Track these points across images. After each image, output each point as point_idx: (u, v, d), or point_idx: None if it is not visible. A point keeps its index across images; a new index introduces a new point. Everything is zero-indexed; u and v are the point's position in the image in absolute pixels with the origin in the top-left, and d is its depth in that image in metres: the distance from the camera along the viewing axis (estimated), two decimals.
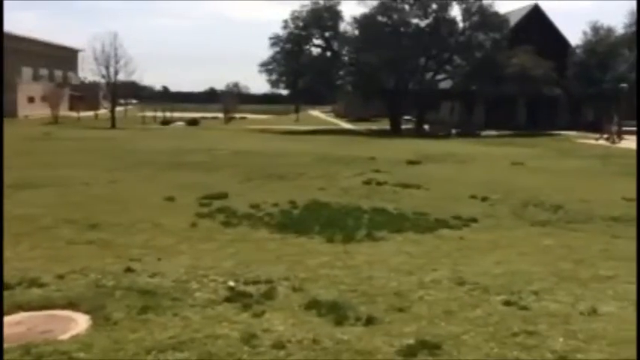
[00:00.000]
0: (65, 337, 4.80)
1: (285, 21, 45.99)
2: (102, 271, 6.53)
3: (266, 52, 48.65)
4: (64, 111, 54.88)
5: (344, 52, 47.56)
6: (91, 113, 56.35)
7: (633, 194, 12.94)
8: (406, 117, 48.77)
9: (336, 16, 46.12)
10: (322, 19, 45.55)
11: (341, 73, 48.47)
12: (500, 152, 25.13)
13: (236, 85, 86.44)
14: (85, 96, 63.82)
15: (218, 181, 14.41)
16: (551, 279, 6.61)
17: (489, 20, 44.13)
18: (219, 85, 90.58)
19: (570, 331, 5.06)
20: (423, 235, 8.97)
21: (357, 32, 45.85)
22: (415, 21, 45.71)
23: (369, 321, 5.18)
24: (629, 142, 31.73)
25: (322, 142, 29.32)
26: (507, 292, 6.06)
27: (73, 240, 8.15)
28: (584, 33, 47.59)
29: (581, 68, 44.71)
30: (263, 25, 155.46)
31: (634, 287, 6.27)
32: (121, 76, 46.35)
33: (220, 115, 59.59)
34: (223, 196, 11.95)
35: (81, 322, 5.14)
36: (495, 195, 12.89)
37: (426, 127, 44.32)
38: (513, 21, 46.31)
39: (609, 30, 47.11)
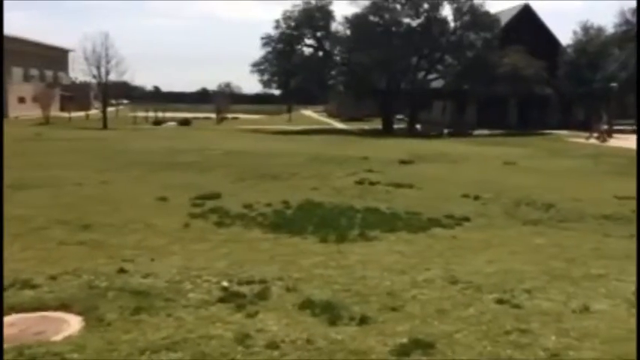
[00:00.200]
0: (58, 338, 4.78)
1: (277, 21, 46.02)
2: (94, 272, 6.50)
3: (258, 52, 48.64)
4: (55, 111, 54.65)
5: (336, 52, 47.61)
6: (82, 114, 56.09)
7: (624, 192, 13.05)
8: (398, 116, 48.87)
9: (328, 15, 46.15)
10: (314, 18, 45.57)
11: (333, 72, 48.53)
12: (492, 152, 25.23)
13: (228, 85, 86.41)
14: (76, 96, 63.51)
15: (211, 181, 14.39)
16: (544, 277, 6.65)
17: (480, 20, 44.31)
18: (212, 86, 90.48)
19: (563, 329, 5.09)
20: (415, 234, 9.00)
21: (348, 32, 45.91)
22: (407, 20, 45.84)
23: (363, 320, 5.19)
24: (619, 141, 31.98)
25: (315, 142, 29.34)
26: (500, 291, 6.08)
27: (65, 241, 8.11)
28: (575, 32, 47.92)
29: (572, 68, 44.98)
30: (255, 25, 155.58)
31: (625, 285, 6.33)
32: (112, 76, 46.20)
33: (212, 115, 59.48)
34: (216, 196, 11.93)
35: (74, 323, 5.12)
36: (487, 194, 12.94)
37: (418, 126, 44.43)
38: (504, 21, 46.51)
39: (599, 29, 47.43)
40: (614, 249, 8.20)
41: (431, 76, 46.92)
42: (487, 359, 4.51)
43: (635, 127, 38.53)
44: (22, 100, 57.38)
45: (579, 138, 33.89)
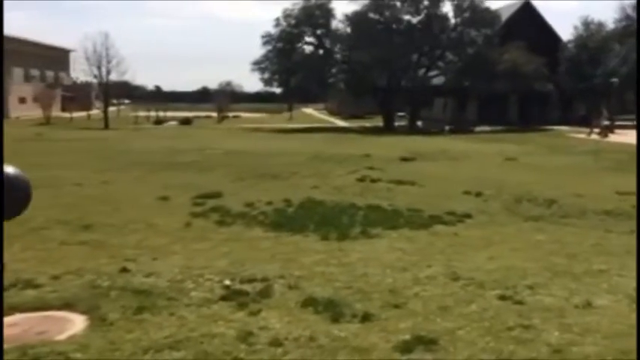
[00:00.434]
0: (62, 337, 4.79)
1: (277, 19, 46.02)
2: (97, 272, 6.51)
3: (258, 50, 48.65)
4: (56, 112, 54.66)
5: (336, 50, 47.59)
6: (83, 114, 56.12)
7: (625, 188, 13.03)
8: (399, 114, 48.87)
9: (328, 13, 46.13)
10: (314, 16, 45.55)
11: (333, 70, 48.53)
12: (493, 148, 25.21)
13: (229, 83, 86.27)
14: (77, 96, 63.53)
15: (211, 180, 14.40)
16: (546, 273, 6.65)
17: (481, 16, 44.27)
18: (212, 85, 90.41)
19: (565, 324, 5.09)
20: (417, 231, 9.00)
21: (349, 30, 45.90)
22: (407, 18, 45.82)
23: (365, 318, 5.20)
24: (620, 137, 31.94)
25: (315, 140, 29.33)
26: (502, 287, 6.09)
27: (66, 241, 8.12)
28: (575, 28, 47.84)
29: (573, 63, 44.92)
30: (255, 24, 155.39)
31: (627, 280, 6.33)
32: (113, 76, 46.33)
33: (213, 114, 59.50)
34: (217, 195, 11.93)
35: (77, 322, 5.13)
36: (489, 191, 12.94)
37: (419, 123, 44.43)
38: (505, 17, 46.47)
39: (600, 25, 47.36)
40: (615, 245, 8.20)
41: (431, 73, 46.89)
42: (490, 355, 4.51)
43: (635, 123, 38.52)
44: (22, 100, 57.41)
45: (580, 134, 33.86)
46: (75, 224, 9.13)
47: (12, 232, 8.25)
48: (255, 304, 5.52)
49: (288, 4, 50.29)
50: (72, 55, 61.15)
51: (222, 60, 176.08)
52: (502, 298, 5.77)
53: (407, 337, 4.77)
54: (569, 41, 48.13)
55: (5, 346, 4.59)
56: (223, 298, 5.69)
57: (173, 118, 53.75)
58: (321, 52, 47.31)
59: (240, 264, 6.94)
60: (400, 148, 24.13)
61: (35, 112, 52.63)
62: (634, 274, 6.43)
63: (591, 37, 45.95)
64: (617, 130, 35.41)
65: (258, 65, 46.76)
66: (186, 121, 51.13)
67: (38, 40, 61.82)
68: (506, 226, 9.58)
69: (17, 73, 57.64)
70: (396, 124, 45.46)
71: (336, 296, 5.76)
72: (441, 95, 48.79)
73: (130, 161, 18.54)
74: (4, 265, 6.09)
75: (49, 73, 65.65)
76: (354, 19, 45.05)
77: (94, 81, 48.33)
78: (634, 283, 6.11)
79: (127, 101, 70.19)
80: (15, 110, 54.34)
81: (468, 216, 10.19)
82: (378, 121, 46.76)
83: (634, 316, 5.22)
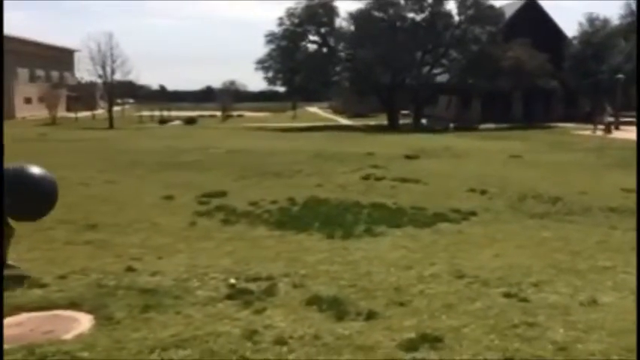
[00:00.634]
0: (68, 336, 4.82)
1: (281, 18, 46.07)
2: (102, 271, 6.54)
3: (262, 49, 48.70)
4: (61, 112, 54.84)
5: (340, 48, 47.58)
6: (88, 113, 56.27)
7: (630, 185, 12.99)
8: (404, 112, 48.82)
9: (332, 12, 46.12)
10: (317, 15, 45.54)
11: (337, 69, 48.51)
12: (497, 146, 25.17)
13: (233, 83, 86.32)
14: (82, 96, 63.69)
15: (216, 179, 14.43)
16: (550, 271, 6.64)
17: (485, 13, 44.18)
18: (217, 84, 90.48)
19: (570, 321, 5.09)
20: (421, 229, 9.00)
21: (352, 28, 45.88)
22: (411, 15, 45.76)
23: (370, 316, 5.20)
24: (625, 133, 31.82)
25: (319, 139, 29.33)
26: (507, 285, 6.08)
27: (71, 241, 8.16)
28: (580, 24, 47.70)
29: (577, 60, 44.76)
30: (259, 23, 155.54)
31: (632, 277, 6.31)
32: (118, 76, 46.42)
33: (218, 113, 59.56)
34: (221, 194, 11.96)
35: (83, 321, 5.16)
36: (493, 188, 12.92)
37: (424, 121, 44.37)
38: (508, 14, 46.37)
39: (605, 21, 47.17)
40: (620, 241, 8.19)
41: (436, 71, 46.84)
42: (495, 353, 4.51)
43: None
44: (28, 100, 57.57)
45: (585, 131, 33.75)
46: (80, 224, 9.17)
47: (18, 232, 8.31)
48: (260, 303, 5.54)
49: (291, 3, 50.33)
50: (76, 55, 61.31)
51: (226, 59, 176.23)
52: (507, 295, 5.76)
53: (412, 335, 4.77)
54: (574, 38, 47.95)
55: (12, 345, 4.63)
56: (228, 297, 5.71)
57: (177, 118, 53.83)
58: (324, 50, 47.30)
59: (245, 263, 6.96)
60: (404, 146, 24.11)
61: (41, 113, 52.80)
62: None
63: (596, 33, 45.77)
64: (622, 127, 35.29)
65: (262, 64, 46.84)
66: (190, 121, 51.19)
67: (43, 41, 62.00)
68: (511, 224, 9.58)
69: (22, 73, 57.81)
70: (400, 122, 45.41)
71: (340, 294, 5.77)
72: (445, 93, 48.74)
73: (134, 161, 18.59)
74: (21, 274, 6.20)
75: (54, 74, 65.81)
76: (357, 18, 45.02)
77: (99, 81, 48.47)
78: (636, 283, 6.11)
79: (131, 101, 70.31)
80: (21, 111, 54.50)
81: (473, 214, 10.18)
82: (382, 120, 46.72)
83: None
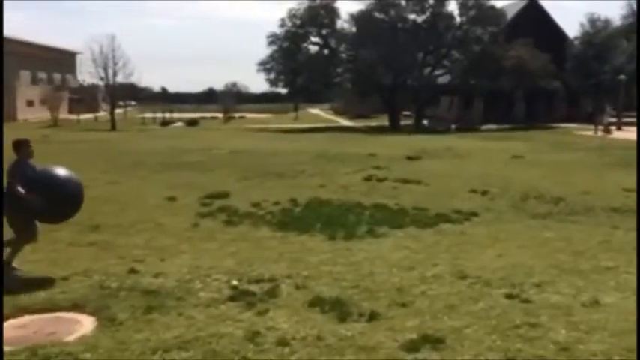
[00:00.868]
0: (71, 338, 4.84)
1: (282, 19, 46.12)
2: (105, 273, 6.57)
3: (264, 50, 48.75)
4: (63, 114, 54.91)
5: (341, 50, 47.61)
6: (90, 116, 56.37)
7: (631, 185, 12.99)
8: (405, 113, 48.83)
9: (333, 13, 46.15)
10: (319, 16, 45.59)
11: (339, 70, 48.55)
12: (499, 146, 25.16)
13: (235, 84, 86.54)
14: (84, 98, 63.82)
15: (218, 180, 14.44)
16: (552, 271, 6.65)
17: (486, 14, 44.18)
18: (218, 85, 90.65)
19: (572, 322, 5.09)
20: (423, 230, 9.00)
21: (354, 29, 45.91)
22: (412, 17, 45.79)
23: (372, 317, 5.22)
24: (626, 133, 31.80)
25: (321, 140, 29.35)
26: (509, 285, 6.09)
27: (74, 242, 8.17)
28: (581, 25, 47.71)
29: (579, 60, 44.76)
30: (260, 24, 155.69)
31: (634, 277, 6.31)
32: (120, 78, 46.45)
33: (219, 115, 59.63)
34: (224, 195, 11.97)
35: (86, 323, 5.18)
36: (495, 189, 12.92)
37: (425, 122, 44.37)
38: (510, 14, 46.36)
39: (606, 21, 47.16)
40: (622, 241, 8.18)
41: (437, 72, 46.84)
42: (497, 354, 4.52)
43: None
44: (30, 103, 57.69)
45: (587, 131, 33.72)
46: (83, 225, 9.18)
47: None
48: (263, 304, 5.55)
49: (293, 5, 50.36)
50: (78, 58, 61.44)
51: (228, 60, 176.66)
52: (509, 296, 5.77)
53: (414, 335, 4.78)
54: (575, 38, 47.94)
55: (15, 347, 4.65)
56: (231, 298, 5.72)
57: (179, 120, 53.92)
58: (326, 51, 47.34)
59: (248, 264, 6.97)
60: (406, 147, 24.11)
61: (43, 115, 52.89)
62: None
63: (597, 33, 45.76)
64: (624, 127, 35.25)
65: (264, 66, 46.90)
66: (192, 122, 51.25)
67: (45, 43, 62.13)
68: (513, 224, 9.57)
69: (25, 75, 57.93)
70: (402, 123, 45.41)
71: (342, 295, 5.78)
72: (447, 94, 48.75)
73: (136, 162, 18.62)
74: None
75: (57, 76, 65.95)
76: (359, 19, 45.05)
77: (101, 83, 48.56)
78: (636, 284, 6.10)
79: (133, 103, 70.42)
80: (23, 113, 54.62)
81: (475, 214, 10.18)
82: (384, 121, 46.73)
83: None
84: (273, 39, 46.32)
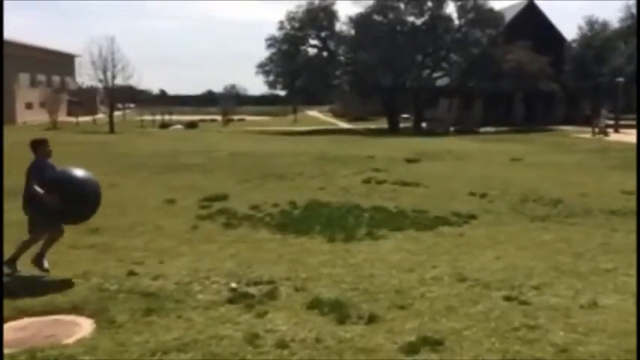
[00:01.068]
0: (70, 341, 4.84)
1: (281, 22, 46.11)
2: (104, 275, 6.57)
3: (263, 53, 48.80)
4: (62, 117, 54.87)
5: (340, 52, 47.61)
6: (89, 118, 56.32)
7: (629, 187, 13.01)
8: (404, 115, 48.85)
9: (332, 15, 46.18)
10: (318, 19, 45.61)
11: (338, 72, 48.53)
12: (498, 148, 25.18)
13: (234, 87, 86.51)
14: (82, 101, 63.78)
15: (217, 182, 14.44)
16: (552, 273, 6.65)
17: (485, 17, 44.22)
18: (217, 87, 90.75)
19: (571, 324, 5.10)
20: (423, 232, 9.01)
21: (353, 32, 45.91)
22: (411, 19, 45.81)
23: (371, 319, 5.22)
24: (624, 136, 31.87)
25: (321, 143, 29.35)
26: (508, 287, 6.10)
27: (74, 244, 8.16)
28: (580, 27, 47.92)
29: (577, 63, 44.87)
30: (260, 26, 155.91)
31: (633, 280, 6.33)
32: (119, 81, 46.33)
33: (218, 117, 59.61)
34: (223, 197, 11.98)
35: (85, 325, 5.18)
36: (494, 191, 12.93)
37: (424, 124, 44.39)
38: (508, 17, 46.41)
39: (604, 24, 47.30)
40: (621, 243, 8.19)
41: (436, 74, 46.88)
42: (496, 356, 4.52)
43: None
44: (29, 105, 57.63)
45: (584, 133, 33.77)
46: (82, 227, 9.13)
47: (19, 237, 8.33)
48: (262, 306, 5.55)
49: (291, 7, 50.43)
50: (77, 60, 61.43)
51: (227, 62, 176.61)
52: (508, 298, 5.78)
53: (413, 338, 4.79)
54: (574, 40, 48.08)
55: (14, 349, 4.65)
56: (230, 301, 5.73)
57: (178, 122, 53.87)
58: (325, 54, 47.36)
59: (247, 266, 6.98)
60: (405, 149, 24.13)
61: (42, 117, 52.84)
62: None
63: (596, 36, 45.90)
64: (622, 130, 35.30)
65: (263, 68, 46.88)
66: (191, 125, 51.21)
67: (44, 46, 62.13)
68: (512, 226, 9.58)
69: (24, 78, 57.90)
70: (401, 125, 45.44)
71: (342, 297, 5.79)
72: (446, 96, 48.75)
73: (135, 164, 18.62)
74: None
75: (55, 78, 65.93)
76: (358, 21, 45.08)
77: (100, 85, 48.46)
78: (636, 285, 6.11)
79: (132, 105, 70.38)
80: (22, 116, 54.56)
81: (474, 216, 10.19)
82: (383, 123, 46.73)
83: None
84: (272, 41, 46.35)
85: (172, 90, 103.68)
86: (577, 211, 10.86)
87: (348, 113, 60.46)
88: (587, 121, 37.83)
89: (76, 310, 5.53)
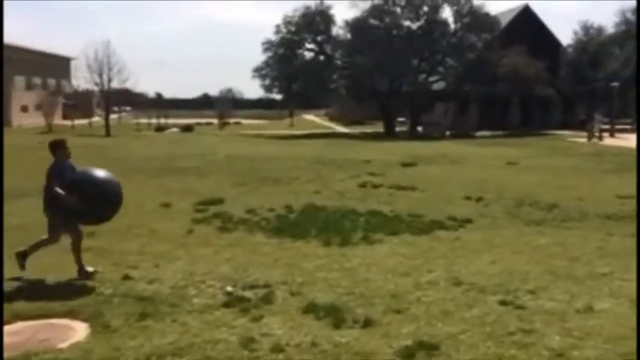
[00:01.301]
0: (65, 345, 4.82)
1: (278, 26, 46.18)
2: (99, 279, 6.54)
3: (259, 56, 48.84)
4: (57, 120, 54.73)
5: (337, 56, 47.71)
6: (85, 121, 56.21)
7: (625, 191, 13.06)
8: (400, 119, 48.93)
9: (328, 20, 46.28)
10: (314, 23, 45.70)
11: (334, 76, 48.61)
12: (494, 152, 25.23)
13: (230, 90, 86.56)
14: (78, 104, 63.67)
15: (213, 186, 14.43)
16: (547, 277, 6.66)
17: (480, 21, 44.40)
18: (214, 91, 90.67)
19: (566, 328, 5.10)
20: (418, 236, 9.01)
21: (349, 36, 46.01)
22: (407, 23, 45.95)
23: (367, 323, 5.21)
24: (618, 141, 32.03)
25: (317, 146, 29.37)
26: (503, 292, 6.10)
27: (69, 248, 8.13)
28: (575, 32, 48.08)
29: (573, 67, 45.04)
30: (255, 30, 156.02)
31: (629, 284, 6.34)
32: (115, 84, 46.30)
33: (215, 120, 59.60)
34: (219, 201, 11.96)
35: (80, 330, 5.16)
36: (490, 195, 12.96)
37: (420, 128, 44.46)
38: (504, 22, 46.60)
39: (600, 29, 47.52)
40: (617, 248, 8.21)
41: (432, 78, 47.01)
42: None
43: (633, 127, 38.58)
44: (24, 108, 57.52)
45: (581, 138, 33.89)
46: None
47: (15, 241, 8.28)
48: (257, 310, 5.54)
49: (288, 11, 50.50)
50: (73, 63, 61.29)
51: (223, 66, 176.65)
52: (503, 302, 5.78)
53: (409, 342, 4.78)
54: (569, 45, 48.28)
55: (9, 353, 4.62)
56: (225, 305, 5.71)
57: (174, 125, 53.84)
58: (321, 58, 47.43)
59: (243, 270, 6.96)
60: (401, 153, 24.16)
61: (37, 120, 52.71)
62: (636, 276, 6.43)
63: (591, 41, 46.10)
64: (617, 134, 35.44)
65: (259, 72, 46.92)
66: (187, 128, 51.19)
67: (40, 49, 62.02)
68: (508, 230, 9.59)
69: (19, 81, 57.79)
70: (397, 129, 45.51)
71: (338, 302, 5.78)
72: (442, 100, 48.88)
73: (131, 167, 18.57)
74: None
75: (51, 81, 65.80)
76: (354, 25, 45.17)
77: (96, 89, 48.39)
78: (636, 286, 6.12)
79: (128, 108, 70.29)
80: (17, 118, 54.44)
81: (469, 220, 10.20)
82: (379, 127, 46.80)
83: (635, 319, 5.23)
84: (268, 45, 46.40)
85: (168, 93, 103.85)
86: (573, 215, 10.88)
87: (345, 117, 60.54)
88: (581, 125, 37.98)
89: (70, 314, 5.50)
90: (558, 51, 46.84)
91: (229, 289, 6.19)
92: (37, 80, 62.55)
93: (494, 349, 4.69)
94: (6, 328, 5.20)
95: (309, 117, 75.87)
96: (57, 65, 66.31)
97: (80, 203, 6.29)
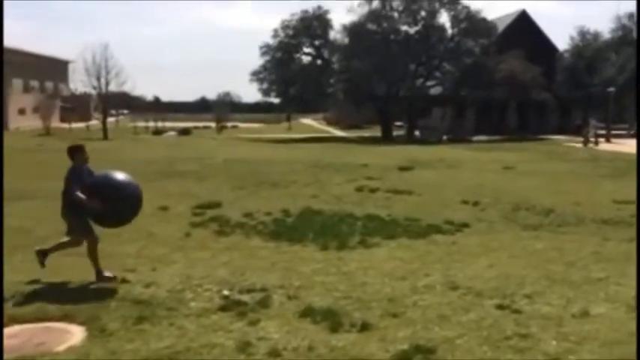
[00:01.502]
0: (61, 348, 4.81)
1: (275, 30, 46.28)
2: (96, 282, 6.54)
3: (257, 60, 48.92)
4: (55, 122, 54.69)
5: (334, 60, 47.81)
6: (82, 124, 56.16)
7: (622, 196, 13.10)
8: (398, 123, 49.02)
9: (326, 24, 46.41)
10: (312, 27, 45.83)
11: (332, 81, 48.72)
12: (491, 157, 25.28)
13: (228, 94, 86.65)
14: (76, 107, 63.62)
15: (211, 190, 14.43)
16: (544, 282, 6.67)
17: (478, 26, 44.57)
18: (211, 95, 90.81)
19: (562, 333, 5.12)
20: (415, 240, 9.02)
21: (347, 40, 46.13)
22: (404, 28, 46.10)
23: (364, 327, 5.22)
24: (614, 146, 32.14)
25: (314, 150, 29.38)
26: (500, 296, 6.11)
27: (66, 251, 8.10)
28: (572, 38, 48.31)
29: (570, 72, 45.23)
30: (253, 34, 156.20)
31: (625, 289, 6.36)
32: (112, 87, 46.24)
33: (212, 124, 59.61)
34: (216, 205, 11.96)
35: (76, 333, 5.15)
36: (487, 199, 12.98)
37: (417, 133, 44.54)
38: (501, 27, 46.79)
39: (596, 34, 47.74)
40: (613, 252, 8.23)
41: (429, 83, 47.14)
42: None
43: (629, 132, 38.71)
44: (22, 111, 57.41)
45: (576, 143, 34.00)
46: None
47: (13, 243, 8.29)
48: (254, 314, 5.54)
49: (286, 15, 50.59)
50: (71, 66, 61.27)
51: (221, 70, 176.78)
52: (500, 307, 5.79)
53: (405, 346, 4.79)
54: (566, 50, 48.49)
55: (5, 357, 4.62)
56: (222, 308, 5.71)
57: (172, 129, 53.83)
58: (319, 62, 47.54)
59: (240, 274, 6.96)
60: (398, 157, 24.19)
61: (34, 123, 52.65)
62: (633, 282, 6.46)
63: (587, 46, 46.31)
64: (612, 140, 35.57)
65: (257, 76, 47.00)
66: (185, 132, 51.18)
67: (38, 52, 61.97)
68: (505, 235, 9.61)
69: (17, 84, 57.69)
70: (395, 133, 45.58)
71: (335, 306, 5.78)
72: (439, 105, 49.00)
73: (129, 171, 18.42)
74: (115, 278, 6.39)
75: (49, 84, 65.74)
76: (352, 30, 45.28)
77: (93, 92, 48.35)
78: (632, 292, 6.15)
79: (125, 112, 70.26)
80: (14, 121, 54.34)
81: (466, 225, 10.21)
82: (377, 131, 46.86)
83: (632, 324, 5.25)
84: (266, 49, 46.49)
85: (166, 96, 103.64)
86: (569, 219, 10.91)
87: (342, 121, 60.62)
88: (577, 130, 38.11)
89: (67, 317, 5.49)
90: (555, 56, 47.06)
91: (226, 292, 6.19)
92: (35, 83, 62.46)
93: (491, 353, 4.70)
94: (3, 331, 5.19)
95: (307, 121, 75.95)
96: (55, 68, 66.24)
97: (102, 207, 6.33)
